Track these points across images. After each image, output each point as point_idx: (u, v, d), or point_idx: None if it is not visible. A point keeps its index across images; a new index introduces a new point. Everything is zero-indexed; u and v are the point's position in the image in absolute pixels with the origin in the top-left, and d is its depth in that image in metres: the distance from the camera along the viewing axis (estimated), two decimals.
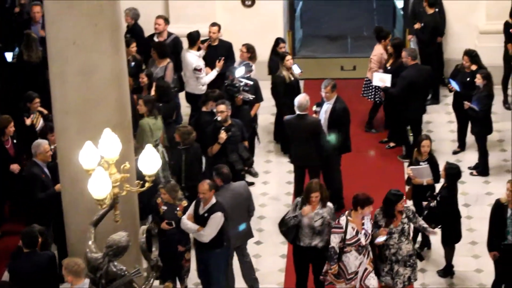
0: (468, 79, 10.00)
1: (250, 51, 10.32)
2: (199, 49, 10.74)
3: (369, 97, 10.84)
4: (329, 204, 8.07)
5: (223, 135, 8.50)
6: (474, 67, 10.17)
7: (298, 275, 8.45)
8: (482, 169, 9.69)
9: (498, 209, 7.73)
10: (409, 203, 8.91)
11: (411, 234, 8.39)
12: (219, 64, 10.40)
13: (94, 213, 6.27)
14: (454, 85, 10.15)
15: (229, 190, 8.08)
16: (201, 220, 7.67)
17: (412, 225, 8.15)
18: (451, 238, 8.17)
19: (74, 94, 6.95)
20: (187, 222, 7.83)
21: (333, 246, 7.79)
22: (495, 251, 7.46)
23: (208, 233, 7.61)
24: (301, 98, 9.25)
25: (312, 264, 8.20)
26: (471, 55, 10.34)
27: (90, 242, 6.23)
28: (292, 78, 10.32)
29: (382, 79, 10.09)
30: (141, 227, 6.77)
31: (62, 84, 6.92)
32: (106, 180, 5.82)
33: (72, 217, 7.62)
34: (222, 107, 8.66)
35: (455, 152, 10.61)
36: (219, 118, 8.90)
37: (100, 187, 5.82)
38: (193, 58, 10.36)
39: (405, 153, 10.63)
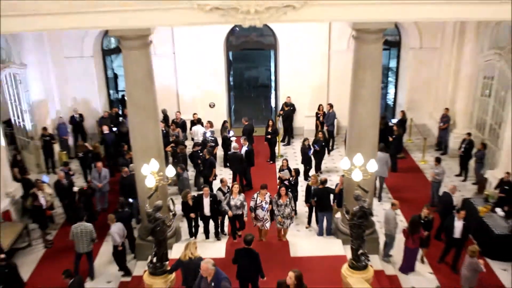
0: (323, 143, 15.58)
1: (210, 124, 16.29)
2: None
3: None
4: (242, 194, 11.71)
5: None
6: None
7: (232, 227, 12.00)
8: None
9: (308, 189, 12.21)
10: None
11: (293, 205, 11.84)
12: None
13: (148, 193, 9.22)
14: (316, 147, 15.32)
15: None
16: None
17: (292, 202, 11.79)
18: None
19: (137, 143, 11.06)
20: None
21: (251, 206, 11.51)
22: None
23: None
24: (234, 145, 14.77)
25: (238, 221, 11.86)
26: (324, 134, 15.88)
27: (147, 205, 9.18)
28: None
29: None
30: (169, 198, 10.15)
31: (136, 137, 11.12)
32: (153, 179, 8.88)
33: (141, 195, 11.57)
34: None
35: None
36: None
37: (150, 182, 8.86)
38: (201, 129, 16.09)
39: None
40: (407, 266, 11.78)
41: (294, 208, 11.66)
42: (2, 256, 10.30)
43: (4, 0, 8.95)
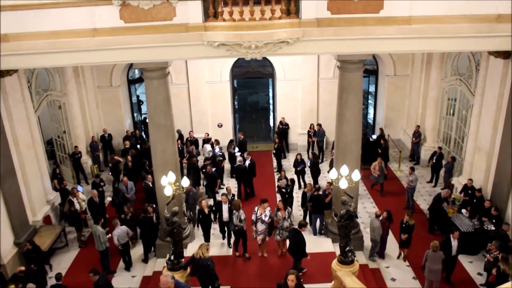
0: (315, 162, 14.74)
1: (217, 142, 16.12)
2: (212, 145, 16.06)
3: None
4: (241, 211, 10.65)
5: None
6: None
7: (236, 241, 11.03)
8: None
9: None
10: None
11: (292, 219, 10.90)
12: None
13: (167, 200, 8.87)
14: (304, 164, 14.87)
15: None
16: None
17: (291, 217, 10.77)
18: None
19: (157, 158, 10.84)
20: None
21: (252, 219, 10.78)
22: None
23: None
24: (240, 158, 14.59)
25: (241, 238, 11.00)
26: (314, 155, 15.02)
27: (166, 211, 8.83)
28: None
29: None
30: (184, 204, 10.49)
31: (156, 152, 10.91)
32: (170, 189, 8.62)
33: (161, 202, 11.26)
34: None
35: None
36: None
37: (168, 191, 8.61)
38: (208, 147, 16.00)
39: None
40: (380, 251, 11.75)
41: (292, 223, 10.84)
42: (22, 268, 10.05)
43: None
